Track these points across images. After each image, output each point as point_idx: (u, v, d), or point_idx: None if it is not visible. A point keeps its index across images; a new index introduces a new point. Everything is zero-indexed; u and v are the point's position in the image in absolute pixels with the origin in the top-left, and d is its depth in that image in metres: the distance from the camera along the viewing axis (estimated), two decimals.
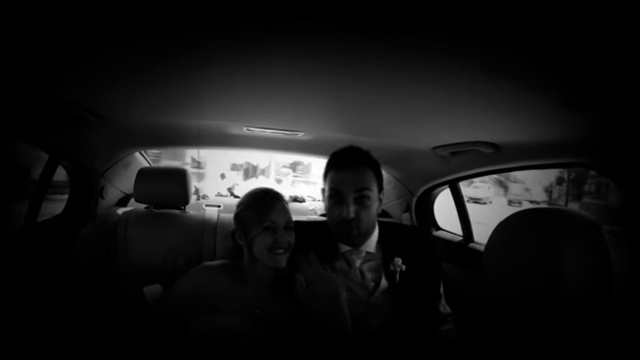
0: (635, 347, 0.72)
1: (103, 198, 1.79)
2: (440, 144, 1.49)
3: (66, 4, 0.60)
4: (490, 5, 0.53)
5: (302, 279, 1.04)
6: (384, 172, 2.18)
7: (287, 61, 0.79)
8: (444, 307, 1.21)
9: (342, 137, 1.48)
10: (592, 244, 0.61)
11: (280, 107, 1.17)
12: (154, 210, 1.73)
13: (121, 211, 1.74)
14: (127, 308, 1.14)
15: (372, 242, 1.18)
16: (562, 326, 0.59)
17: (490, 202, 19.63)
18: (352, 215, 1.07)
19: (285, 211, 1.09)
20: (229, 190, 2.51)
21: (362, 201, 1.09)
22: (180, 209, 1.78)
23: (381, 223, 1.24)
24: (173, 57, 0.81)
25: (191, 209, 1.83)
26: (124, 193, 1.98)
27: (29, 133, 1.24)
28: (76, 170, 1.65)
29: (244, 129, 1.48)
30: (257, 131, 1.51)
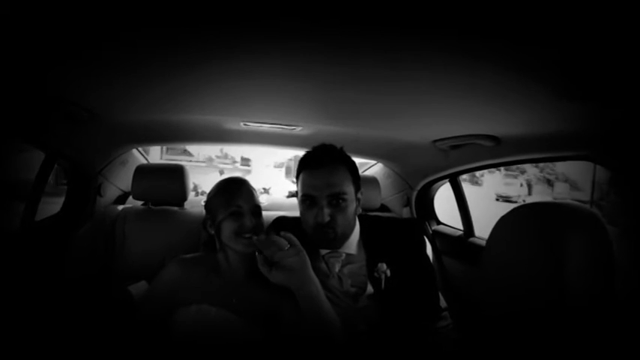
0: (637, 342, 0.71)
1: (101, 196, 1.79)
2: (439, 137, 1.48)
3: (63, 3, 0.59)
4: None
5: (262, 256, 0.94)
6: (383, 166, 2.21)
7: (284, 56, 0.78)
8: (440, 302, 1.16)
9: (341, 131, 1.47)
10: (593, 236, 0.60)
11: (277, 102, 1.16)
12: (152, 207, 1.72)
13: (119, 208, 1.73)
14: (117, 309, 1.13)
15: (352, 243, 1.13)
16: (566, 319, 0.59)
17: (523, 200, 19.03)
18: (327, 219, 1.02)
19: (252, 196, 1.09)
20: None
21: (337, 203, 1.04)
22: (179, 206, 1.77)
23: (363, 220, 1.18)
24: (169, 54, 0.80)
25: (190, 206, 1.83)
26: (122, 190, 1.98)
27: (26, 132, 1.23)
28: (73, 168, 1.64)
29: (241, 124, 1.47)
30: (254, 126, 1.49)
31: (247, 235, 1.04)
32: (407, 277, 1.08)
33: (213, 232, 1.09)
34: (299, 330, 0.97)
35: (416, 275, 1.10)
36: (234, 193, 1.07)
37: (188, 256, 1.13)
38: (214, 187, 1.14)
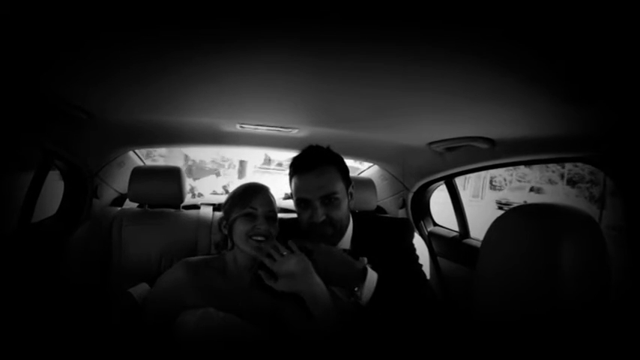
0: (633, 345, 0.72)
1: (97, 197, 1.78)
2: (435, 139, 1.49)
3: (59, 4, 0.59)
4: None
5: (266, 266, 0.99)
6: (379, 168, 2.22)
7: (280, 57, 0.78)
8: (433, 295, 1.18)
9: (337, 133, 1.47)
10: (588, 239, 0.61)
11: (273, 104, 1.16)
12: (149, 209, 1.72)
13: (115, 210, 1.72)
14: (121, 312, 1.13)
15: (347, 239, 1.17)
16: (560, 322, 0.59)
17: None
18: (322, 218, 1.07)
19: (268, 201, 1.10)
20: (224, 188, 2.50)
21: (329, 202, 1.08)
22: (176, 208, 1.77)
23: (356, 218, 1.22)
24: (165, 55, 0.80)
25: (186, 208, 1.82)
26: (119, 192, 1.97)
27: (22, 133, 1.23)
28: (69, 170, 1.63)
29: (238, 126, 1.47)
30: (250, 128, 1.49)
31: (259, 238, 1.05)
32: (393, 270, 1.09)
33: (226, 232, 1.10)
34: (305, 330, 0.99)
35: (403, 270, 1.12)
36: (250, 195, 1.09)
37: (194, 257, 1.13)
38: (233, 190, 1.15)
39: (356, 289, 1.00)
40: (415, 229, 2.15)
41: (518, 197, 14.14)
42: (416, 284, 1.13)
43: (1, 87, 0.97)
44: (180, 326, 0.99)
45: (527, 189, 15.21)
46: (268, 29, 0.66)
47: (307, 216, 1.09)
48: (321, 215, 1.07)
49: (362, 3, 0.56)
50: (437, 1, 0.54)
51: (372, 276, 1.01)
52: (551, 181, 19.14)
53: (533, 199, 13.78)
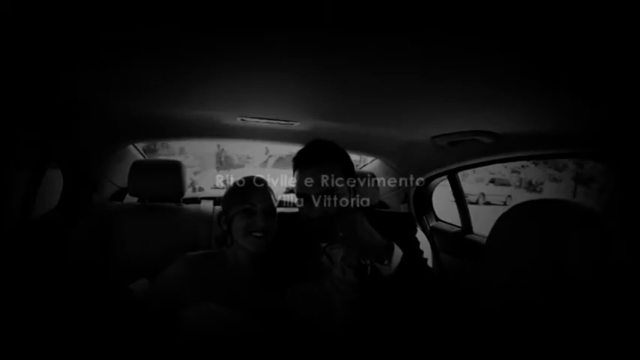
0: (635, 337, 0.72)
1: (97, 192, 1.77)
2: (439, 133, 1.47)
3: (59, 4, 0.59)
4: None
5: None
6: (381, 162, 2.21)
7: (281, 52, 0.78)
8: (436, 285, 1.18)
9: (339, 127, 1.47)
10: (592, 233, 0.60)
11: (274, 97, 1.15)
12: (149, 203, 1.71)
13: (115, 204, 1.72)
14: (121, 307, 1.13)
15: None
16: (564, 315, 0.59)
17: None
18: (318, 214, 1.07)
19: (267, 196, 1.10)
20: (225, 182, 2.50)
21: (328, 198, 1.08)
22: (176, 202, 1.76)
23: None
24: (166, 49, 0.79)
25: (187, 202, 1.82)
26: (119, 186, 1.96)
27: (21, 127, 1.22)
28: (69, 164, 1.63)
29: (238, 119, 1.46)
30: (251, 121, 1.48)
31: (258, 234, 1.05)
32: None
33: (225, 227, 1.10)
34: (309, 325, 1.00)
35: (407, 262, 1.10)
36: (248, 190, 1.09)
37: (195, 253, 1.13)
38: (232, 183, 1.15)
39: (386, 262, 1.02)
40: (417, 224, 2.15)
41: (477, 189, 14.04)
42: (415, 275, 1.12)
43: (1, 83, 0.96)
44: (181, 322, 0.99)
45: (487, 181, 15.03)
46: (269, 26, 0.66)
47: (306, 212, 1.10)
48: (317, 211, 1.07)
49: (363, 16, 0.57)
50: (437, 2, 0.54)
51: (398, 251, 1.04)
52: (555, 179, 19.11)
53: (493, 190, 13.69)
